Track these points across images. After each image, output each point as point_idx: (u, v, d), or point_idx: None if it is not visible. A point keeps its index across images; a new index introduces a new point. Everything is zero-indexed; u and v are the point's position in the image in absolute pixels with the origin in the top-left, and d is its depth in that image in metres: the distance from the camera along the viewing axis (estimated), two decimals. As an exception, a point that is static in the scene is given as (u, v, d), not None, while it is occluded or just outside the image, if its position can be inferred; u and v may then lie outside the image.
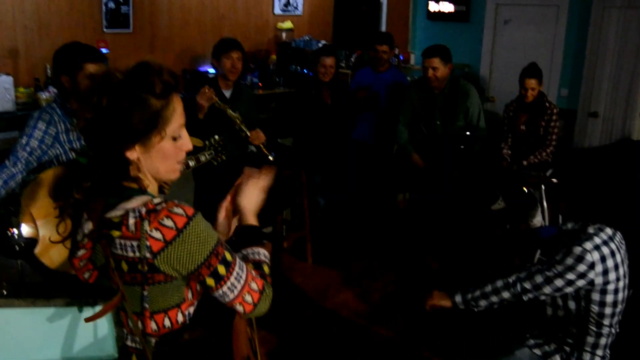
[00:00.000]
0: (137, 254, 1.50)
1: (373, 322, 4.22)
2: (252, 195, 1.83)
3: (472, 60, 7.04)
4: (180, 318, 1.63)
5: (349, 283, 4.77)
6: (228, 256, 1.59)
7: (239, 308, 1.61)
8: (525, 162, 4.86)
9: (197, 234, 1.52)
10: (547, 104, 4.95)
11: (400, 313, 4.39)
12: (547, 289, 2.47)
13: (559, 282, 2.44)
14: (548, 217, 4.56)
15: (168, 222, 1.49)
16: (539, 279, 2.48)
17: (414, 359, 3.80)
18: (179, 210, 1.52)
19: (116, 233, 1.51)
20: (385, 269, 4.99)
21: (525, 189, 4.56)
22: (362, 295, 4.59)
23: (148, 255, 1.49)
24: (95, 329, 1.88)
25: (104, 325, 1.93)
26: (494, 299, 2.62)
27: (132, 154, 1.54)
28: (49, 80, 4.72)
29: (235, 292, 1.58)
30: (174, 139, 1.59)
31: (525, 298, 2.53)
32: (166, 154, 1.59)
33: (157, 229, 1.49)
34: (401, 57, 7.03)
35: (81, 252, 1.63)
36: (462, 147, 4.61)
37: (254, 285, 1.62)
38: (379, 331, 4.09)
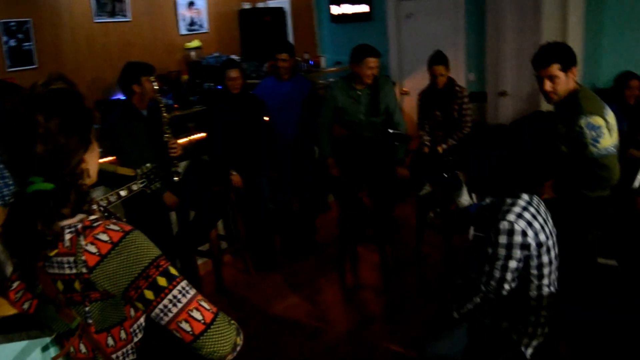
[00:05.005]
0: (74, 270, 1.50)
1: (324, 321, 4.25)
2: None
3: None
4: (123, 335, 1.60)
5: (295, 287, 4.79)
6: (173, 271, 1.54)
7: (186, 327, 1.49)
8: (444, 145, 5.02)
9: (134, 246, 1.51)
10: (458, 88, 5.13)
11: (351, 309, 4.45)
12: (510, 276, 2.52)
13: (512, 264, 2.50)
14: (475, 195, 4.73)
15: (103, 237, 1.51)
16: (497, 273, 2.53)
17: (368, 352, 3.84)
18: (115, 227, 1.54)
19: (52, 252, 1.51)
20: (327, 267, 5.06)
21: (445, 174, 4.71)
22: (309, 296, 4.62)
23: (84, 270, 1.49)
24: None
25: (51, 356, 1.83)
26: (470, 306, 2.69)
27: (86, 156, 1.56)
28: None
29: (181, 303, 1.50)
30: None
31: (503, 295, 2.56)
32: (97, 151, 1.63)
33: (92, 244, 1.50)
34: (311, 62, 7.13)
35: (16, 284, 1.62)
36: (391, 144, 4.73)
37: (205, 305, 1.54)
38: (332, 329, 4.13)
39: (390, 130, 4.75)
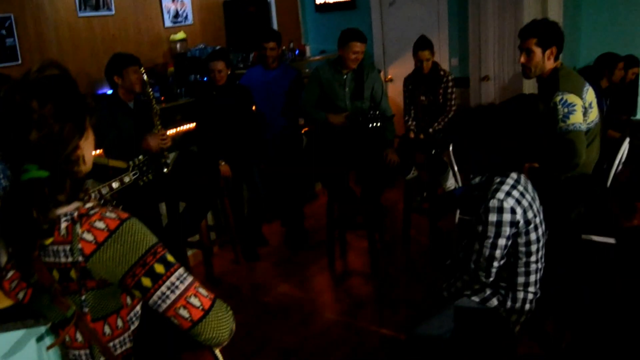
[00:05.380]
0: (70, 258, 1.50)
1: (315, 308, 4.31)
2: None
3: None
4: (120, 323, 1.61)
5: (285, 275, 4.84)
6: (170, 258, 1.56)
7: (184, 313, 1.52)
8: (430, 130, 5.08)
9: (131, 234, 1.52)
10: (442, 72, 5.19)
11: (341, 295, 4.51)
12: (499, 253, 2.56)
13: (501, 241, 2.54)
14: (460, 178, 4.80)
15: (100, 225, 1.51)
16: (486, 251, 2.57)
17: (359, 336, 3.89)
18: (111, 215, 1.54)
19: (48, 240, 1.51)
20: (317, 254, 5.11)
21: (433, 151, 4.77)
22: (300, 284, 4.67)
23: (80, 258, 1.49)
24: (39, 352, 1.79)
25: (47, 345, 1.74)
26: (459, 285, 2.75)
27: (82, 142, 1.56)
28: None
29: (179, 290, 1.52)
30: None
31: (492, 273, 2.61)
32: (92, 138, 1.64)
33: (88, 231, 1.50)
34: (297, 52, 7.16)
35: (11, 273, 1.60)
36: (370, 125, 4.74)
37: (203, 291, 1.56)
38: (323, 315, 4.19)
39: (372, 111, 4.78)
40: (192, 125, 5.22)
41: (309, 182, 6.07)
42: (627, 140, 4.05)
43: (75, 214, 1.53)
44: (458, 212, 4.78)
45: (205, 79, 6.02)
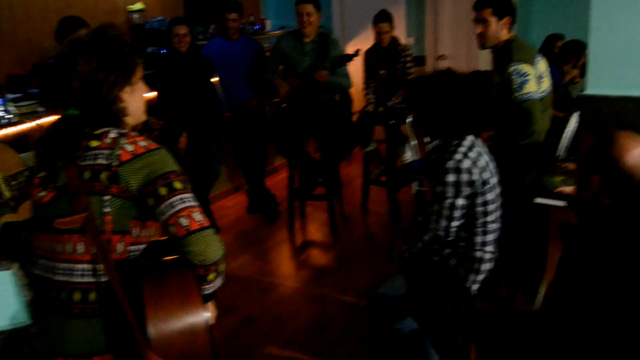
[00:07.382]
0: (106, 161, 1.70)
1: (276, 277, 4.37)
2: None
3: (324, 22, 7.24)
4: (120, 248, 1.71)
5: (246, 246, 4.87)
6: (188, 186, 1.73)
7: (183, 222, 1.64)
8: (389, 104, 5.16)
9: (165, 156, 1.74)
10: (400, 47, 5.27)
11: (302, 264, 4.58)
12: (457, 213, 2.63)
13: (459, 202, 2.61)
14: (419, 151, 4.89)
15: (142, 143, 1.75)
16: (445, 211, 2.64)
17: (320, 303, 3.96)
18: (154, 143, 1.77)
19: (95, 143, 1.73)
20: (277, 225, 5.17)
21: (391, 122, 4.84)
22: (261, 254, 4.72)
23: (115, 163, 1.69)
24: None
25: (9, 290, 1.77)
26: (420, 245, 2.81)
27: (125, 95, 1.77)
28: None
29: (186, 204, 1.67)
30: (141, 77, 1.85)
31: (451, 233, 2.69)
32: (143, 91, 1.86)
33: (131, 144, 1.73)
34: (257, 27, 7.13)
35: (43, 173, 1.78)
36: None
37: (205, 217, 1.71)
38: (284, 284, 4.24)
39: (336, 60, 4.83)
40: (152, 95, 5.16)
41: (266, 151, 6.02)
42: (577, 113, 4.19)
43: (125, 131, 1.77)
44: (416, 184, 4.88)
45: (163, 51, 5.94)
